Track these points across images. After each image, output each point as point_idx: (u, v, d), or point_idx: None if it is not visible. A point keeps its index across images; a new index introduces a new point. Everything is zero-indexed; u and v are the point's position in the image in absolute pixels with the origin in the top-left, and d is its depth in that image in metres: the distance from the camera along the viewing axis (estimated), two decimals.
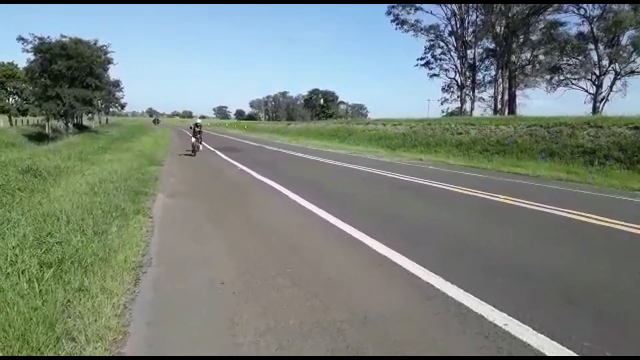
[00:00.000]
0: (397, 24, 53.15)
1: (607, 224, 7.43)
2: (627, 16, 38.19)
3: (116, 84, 48.54)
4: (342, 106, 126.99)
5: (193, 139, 20.58)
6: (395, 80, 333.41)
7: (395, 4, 52.14)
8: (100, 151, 19.66)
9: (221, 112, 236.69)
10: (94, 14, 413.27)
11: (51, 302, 3.58)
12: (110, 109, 58.48)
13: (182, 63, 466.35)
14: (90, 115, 47.26)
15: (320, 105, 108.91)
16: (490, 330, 3.51)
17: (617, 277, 4.90)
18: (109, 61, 37.94)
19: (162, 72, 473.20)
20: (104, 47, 37.05)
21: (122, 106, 54.94)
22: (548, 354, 3.19)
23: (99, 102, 40.94)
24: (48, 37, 33.66)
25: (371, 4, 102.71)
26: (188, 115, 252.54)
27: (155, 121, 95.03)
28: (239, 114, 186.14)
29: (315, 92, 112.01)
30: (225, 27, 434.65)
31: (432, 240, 6.28)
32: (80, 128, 44.59)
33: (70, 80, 33.81)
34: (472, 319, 3.71)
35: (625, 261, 5.53)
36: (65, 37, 34.30)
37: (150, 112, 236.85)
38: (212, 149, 25.21)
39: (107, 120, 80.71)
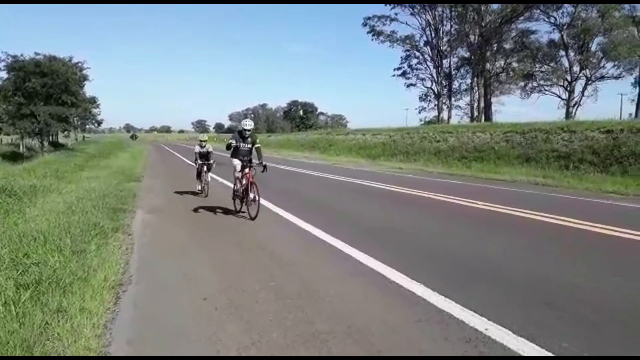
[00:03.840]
0: (373, 35, 53.96)
1: (583, 227, 7.62)
2: (594, 24, 39.38)
3: (92, 101, 47.95)
4: (321, 117, 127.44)
5: (202, 170, 12.15)
6: (374, 90, 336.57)
7: (371, 16, 52.88)
8: (77, 169, 19.37)
9: (200, 126, 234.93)
10: (68, 30, 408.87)
11: (28, 324, 3.51)
12: (87, 126, 57.73)
13: (159, 77, 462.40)
14: (66, 132, 46.56)
15: (300, 116, 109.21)
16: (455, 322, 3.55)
17: (591, 276, 5.00)
18: (85, 78, 37.53)
19: (139, 87, 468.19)
20: (80, 64, 36.68)
21: (99, 123, 54.26)
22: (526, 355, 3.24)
23: (75, 119, 40.37)
24: (22, 54, 33.22)
25: (360, 3, 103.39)
26: (166, 130, 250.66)
27: (133, 137, 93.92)
28: (219, 127, 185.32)
29: (294, 103, 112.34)
30: (202, 40, 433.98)
31: (420, 251, 6.33)
32: (56, 146, 43.83)
33: (45, 97, 33.32)
34: (454, 322, 3.75)
35: (591, 259, 5.66)
36: (39, 54, 33.90)
37: (128, 128, 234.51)
38: (190, 162, 24.99)
39: (83, 137, 79.62)
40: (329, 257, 5.93)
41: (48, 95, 33.41)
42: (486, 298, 4.34)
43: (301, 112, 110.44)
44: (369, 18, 53.24)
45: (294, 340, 3.51)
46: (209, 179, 12.27)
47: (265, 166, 8.55)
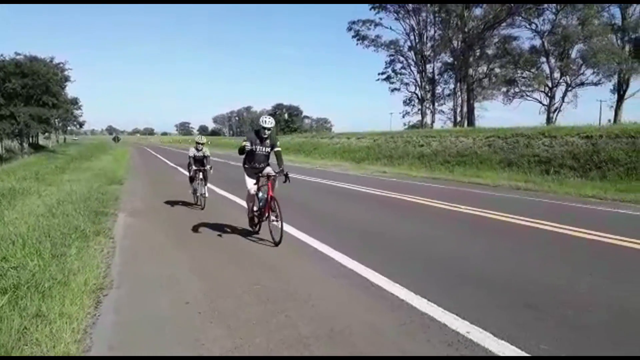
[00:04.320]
0: (358, 40, 54.20)
1: (564, 231, 7.75)
2: (574, 31, 40.15)
3: (74, 102, 47.36)
4: (306, 120, 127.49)
5: (195, 180, 10.64)
6: (359, 94, 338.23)
7: (356, 21, 53.16)
8: (57, 171, 19.07)
9: (184, 129, 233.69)
10: (50, 29, 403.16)
11: (6, 330, 3.44)
12: (69, 128, 56.98)
13: (143, 79, 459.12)
14: (46, 134, 45.87)
15: (285, 119, 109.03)
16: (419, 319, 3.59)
17: (572, 278, 5.09)
18: (67, 79, 37.06)
19: (122, 89, 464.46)
20: (61, 65, 36.24)
21: (81, 124, 53.75)
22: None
23: (56, 120, 39.81)
24: (1, 55, 32.70)
25: (348, 3, 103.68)
26: (149, 132, 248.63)
27: (116, 139, 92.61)
28: (202, 130, 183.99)
29: (279, 106, 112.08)
30: (187, 42, 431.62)
31: (415, 260, 6.38)
32: (36, 148, 43.14)
33: (25, 98, 32.85)
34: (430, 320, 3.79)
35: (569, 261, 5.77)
36: (19, 54, 33.39)
37: (110, 130, 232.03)
38: (173, 165, 24.86)
39: (64, 139, 78.44)
40: (312, 259, 5.94)
41: (28, 96, 32.96)
42: (468, 301, 4.39)
43: (286, 116, 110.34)
44: (353, 22, 53.49)
45: (277, 345, 3.51)
46: (206, 190, 10.39)
47: (287, 175, 6.91)
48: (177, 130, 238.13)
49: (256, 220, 7.38)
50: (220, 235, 7.43)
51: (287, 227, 6.97)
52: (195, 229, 7.99)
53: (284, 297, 4.52)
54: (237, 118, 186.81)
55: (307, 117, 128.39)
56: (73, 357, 3.09)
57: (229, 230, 7.88)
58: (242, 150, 6.97)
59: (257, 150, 7.08)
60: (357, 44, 54.92)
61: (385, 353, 3.39)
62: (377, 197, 12.56)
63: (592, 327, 3.85)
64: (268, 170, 7.25)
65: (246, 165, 7.27)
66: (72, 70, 37.31)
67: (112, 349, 3.48)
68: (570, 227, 7.90)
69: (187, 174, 11.29)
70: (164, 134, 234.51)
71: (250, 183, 7.16)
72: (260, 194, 7.09)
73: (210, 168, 10.66)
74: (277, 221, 6.63)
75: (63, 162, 25.64)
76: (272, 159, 7.28)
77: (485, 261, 5.95)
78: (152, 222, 8.68)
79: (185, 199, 11.35)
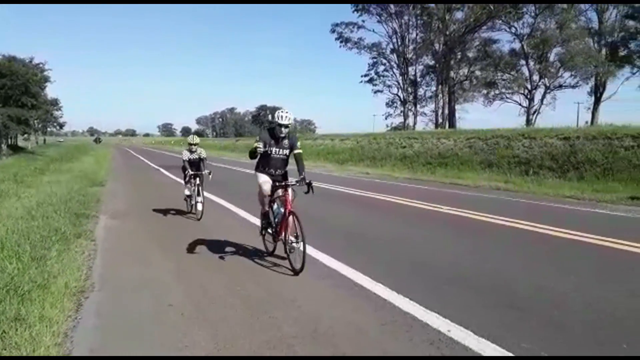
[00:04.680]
0: (341, 42, 54.48)
1: (545, 231, 7.91)
2: (553, 35, 40.94)
3: (54, 103, 46.61)
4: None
5: (189, 185, 9.48)
6: (343, 96, 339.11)
7: (339, 23, 53.37)
8: (37, 173, 18.76)
9: (167, 130, 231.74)
10: (30, 30, 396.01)
11: None
12: (48, 129, 56.03)
13: (125, 80, 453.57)
14: (26, 135, 45.06)
15: (269, 121, 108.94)
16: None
17: (553, 277, 5.20)
18: (46, 79, 36.48)
19: (103, 90, 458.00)
20: (41, 65, 35.65)
21: (61, 125, 52.90)
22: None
23: (35, 121, 39.14)
24: None
25: (333, 3, 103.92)
26: (131, 133, 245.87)
27: (97, 140, 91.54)
28: (186, 131, 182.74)
29: (263, 107, 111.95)
30: (170, 42, 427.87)
31: (396, 255, 6.44)
32: (15, 149, 42.34)
33: (3, 99, 32.24)
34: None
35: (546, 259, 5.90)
36: None
37: (92, 131, 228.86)
38: (156, 166, 24.65)
39: (44, 140, 77.10)
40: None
41: (7, 97, 32.33)
42: (449, 300, 4.45)
43: (270, 117, 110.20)
44: (337, 24, 53.80)
45: (260, 346, 3.52)
46: (202, 198, 9.03)
47: (310, 184, 5.47)
48: (159, 131, 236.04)
49: (270, 237, 6.09)
50: (221, 258, 7.23)
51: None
52: (180, 233, 7.94)
53: (268, 298, 4.53)
54: (220, 119, 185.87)
55: None
56: (73, 357, 3.04)
57: (231, 250, 6.77)
58: (253, 154, 5.71)
59: (273, 152, 5.80)
60: (340, 46, 55.30)
61: (367, 353, 3.42)
62: (361, 198, 12.65)
63: (575, 327, 3.92)
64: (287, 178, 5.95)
65: (260, 172, 5.97)
66: (52, 70, 36.66)
67: (93, 351, 3.45)
68: (551, 227, 8.05)
69: (180, 180, 10.40)
70: (146, 135, 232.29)
71: (266, 186, 5.80)
72: (275, 207, 5.88)
73: (209, 173, 9.27)
74: (297, 242, 5.35)
75: (43, 163, 25.23)
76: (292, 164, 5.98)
77: (466, 260, 6.03)
78: (133, 224, 8.59)
79: (172, 202, 11.27)
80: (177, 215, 9.49)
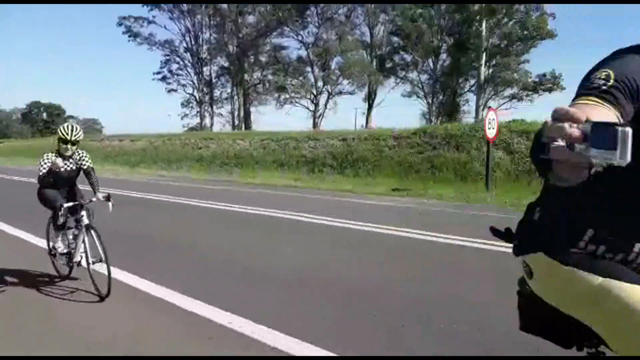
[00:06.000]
0: (130, 36, 51.22)
1: (322, 221, 8.91)
2: (333, 45, 45.49)
3: None
4: (71, 120, 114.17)
5: (62, 231, 5.01)
6: (135, 94, 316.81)
7: (127, 17, 50.17)
8: None
9: None
10: None
11: None
12: None
13: None
14: None
15: (44, 120, 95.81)
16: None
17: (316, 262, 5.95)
18: None
19: None
20: None
21: None
22: None
23: None
24: None
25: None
26: None
27: None
28: None
29: (36, 105, 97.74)
30: None
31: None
32: None
33: None
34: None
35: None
36: None
37: None
38: None
39: None
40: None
41: None
42: (223, 292, 4.75)
43: (45, 115, 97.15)
44: (124, 18, 50.38)
45: None
46: (103, 254, 4.48)
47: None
48: None
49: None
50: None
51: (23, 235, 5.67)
52: None
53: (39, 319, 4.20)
54: None
55: (71, 116, 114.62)
56: (77, 357, 2.68)
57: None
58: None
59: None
60: (129, 41, 51.92)
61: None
62: (150, 201, 12.29)
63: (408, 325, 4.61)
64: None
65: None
66: None
67: None
68: (329, 218, 9.08)
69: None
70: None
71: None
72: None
73: (108, 198, 4.86)
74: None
75: None
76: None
77: (234, 251, 6.46)
78: None
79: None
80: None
